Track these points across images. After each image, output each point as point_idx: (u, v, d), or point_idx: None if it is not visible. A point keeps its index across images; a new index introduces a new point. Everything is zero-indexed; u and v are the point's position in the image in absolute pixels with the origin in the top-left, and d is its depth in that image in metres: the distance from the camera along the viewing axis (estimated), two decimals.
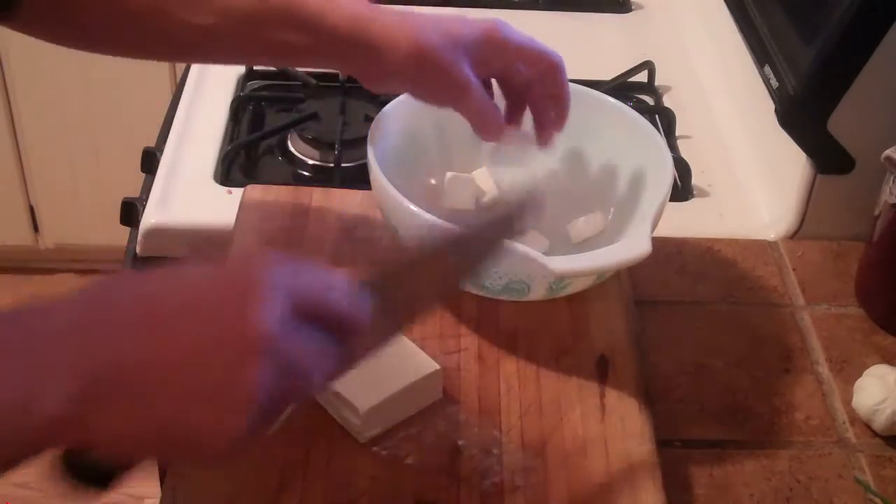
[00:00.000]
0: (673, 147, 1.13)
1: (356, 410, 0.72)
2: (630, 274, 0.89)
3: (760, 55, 1.03)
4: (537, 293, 0.80)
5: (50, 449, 0.50)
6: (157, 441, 0.50)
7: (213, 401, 0.50)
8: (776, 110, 0.97)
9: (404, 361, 0.76)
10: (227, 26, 0.77)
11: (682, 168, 1.08)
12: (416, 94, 0.84)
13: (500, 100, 0.85)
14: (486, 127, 0.83)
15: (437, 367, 0.76)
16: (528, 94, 0.84)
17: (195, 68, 1.21)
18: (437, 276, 0.64)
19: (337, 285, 0.56)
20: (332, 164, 1.08)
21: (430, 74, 0.78)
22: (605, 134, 0.91)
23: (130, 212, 1.05)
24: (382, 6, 0.79)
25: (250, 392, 0.50)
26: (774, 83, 0.97)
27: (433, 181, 0.92)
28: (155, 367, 0.50)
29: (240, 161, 1.10)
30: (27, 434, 0.48)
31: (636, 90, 1.23)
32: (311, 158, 1.10)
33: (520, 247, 0.77)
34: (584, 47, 1.30)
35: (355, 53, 0.78)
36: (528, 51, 0.82)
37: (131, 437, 0.50)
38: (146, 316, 0.51)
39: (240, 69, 1.21)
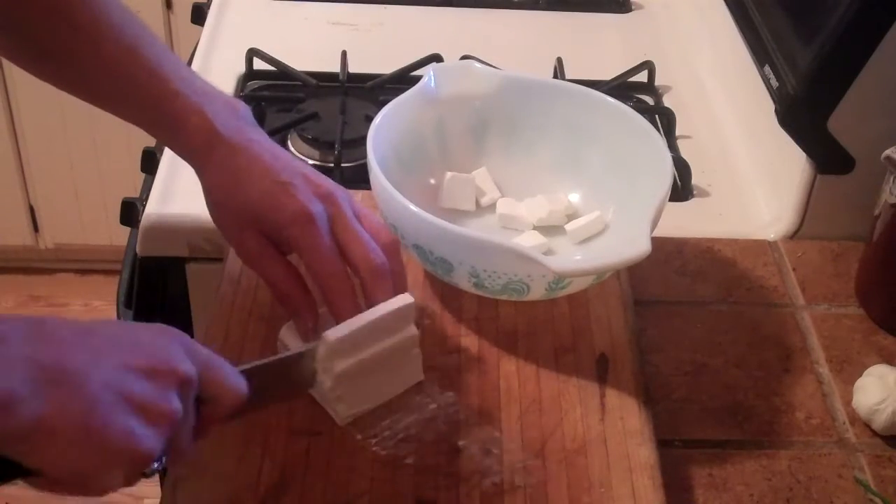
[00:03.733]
0: (673, 147, 1.13)
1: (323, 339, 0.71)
2: (630, 274, 0.89)
3: (760, 55, 1.03)
4: (537, 293, 0.80)
5: None
6: (70, 448, 0.53)
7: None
8: (776, 110, 0.97)
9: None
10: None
11: (682, 168, 1.08)
12: None
13: None
14: (287, 304, 0.76)
15: (411, 299, 0.74)
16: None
17: (196, 68, 1.21)
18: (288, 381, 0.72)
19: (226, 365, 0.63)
20: (332, 164, 1.08)
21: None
22: (605, 134, 0.91)
23: (130, 212, 1.05)
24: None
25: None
26: (774, 83, 0.98)
27: (433, 181, 0.92)
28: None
29: None
30: None
31: (636, 90, 1.23)
32: (311, 158, 1.10)
33: (520, 247, 0.77)
34: (584, 47, 1.30)
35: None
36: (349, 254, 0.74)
37: (53, 430, 0.52)
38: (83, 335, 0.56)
39: (240, 69, 1.21)
